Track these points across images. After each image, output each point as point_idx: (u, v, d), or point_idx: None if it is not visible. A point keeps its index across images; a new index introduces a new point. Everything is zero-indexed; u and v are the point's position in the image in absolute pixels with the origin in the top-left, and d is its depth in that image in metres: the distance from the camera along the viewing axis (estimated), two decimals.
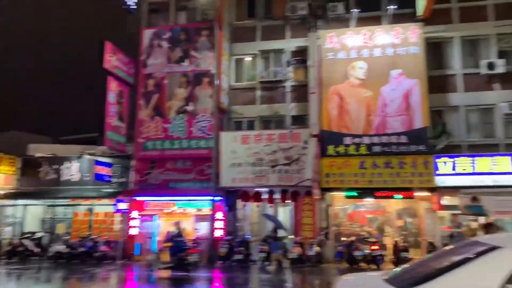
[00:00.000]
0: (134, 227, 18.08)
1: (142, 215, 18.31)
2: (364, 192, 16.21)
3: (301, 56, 18.28)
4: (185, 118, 18.33)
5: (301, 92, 17.94)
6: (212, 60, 18.19)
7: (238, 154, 17.11)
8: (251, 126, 18.57)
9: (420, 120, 16.12)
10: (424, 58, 16.56)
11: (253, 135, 17.27)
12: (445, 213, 16.80)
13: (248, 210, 18.49)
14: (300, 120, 17.83)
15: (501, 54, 16.80)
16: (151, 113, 18.71)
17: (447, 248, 4.54)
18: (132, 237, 18.01)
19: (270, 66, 18.71)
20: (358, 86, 16.98)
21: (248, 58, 19.22)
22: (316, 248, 15.69)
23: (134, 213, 18.10)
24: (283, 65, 18.53)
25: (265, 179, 16.81)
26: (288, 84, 18.33)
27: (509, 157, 15.23)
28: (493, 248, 3.18)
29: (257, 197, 17.58)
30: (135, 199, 18.09)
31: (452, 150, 16.26)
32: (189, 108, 18.35)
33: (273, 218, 16.01)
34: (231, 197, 17.62)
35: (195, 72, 18.58)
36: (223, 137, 17.42)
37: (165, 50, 19.08)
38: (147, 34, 19.36)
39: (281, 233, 15.88)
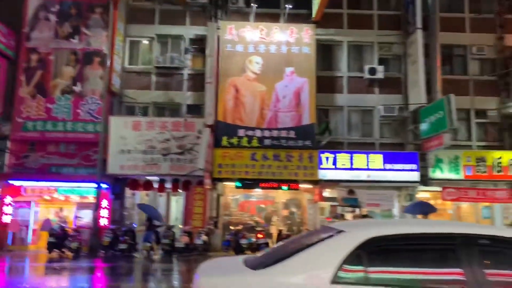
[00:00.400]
0: (7, 214, 16.50)
1: (18, 202, 16.77)
2: (253, 183, 16.73)
3: (199, 44, 18.14)
4: (72, 98, 17.13)
5: (198, 81, 17.83)
6: (104, 39, 17.22)
7: (128, 141, 16.48)
8: (144, 112, 17.99)
9: (307, 117, 17.07)
10: (314, 59, 17.53)
11: (145, 122, 16.77)
12: (326, 204, 18.14)
13: (138, 199, 17.98)
14: (195, 109, 17.74)
15: (381, 61, 18.48)
16: (32, 91, 17.13)
17: (304, 233, 4.86)
18: (4, 225, 16.42)
19: (167, 52, 18.26)
20: (254, 80, 17.40)
21: (144, 41, 18.53)
22: (204, 237, 15.84)
23: (8, 199, 16.51)
24: (181, 52, 18.22)
25: (156, 168, 16.46)
26: (185, 72, 18.10)
27: (381, 155, 16.86)
28: (338, 232, 3.47)
29: (147, 185, 17.16)
30: (10, 183, 16.50)
31: (335, 147, 17.53)
32: (77, 88, 17.19)
33: (147, 208, 15.70)
34: (119, 184, 16.96)
35: (86, 51, 17.43)
36: (112, 122, 16.62)
37: (52, 24, 17.57)
38: (32, 4, 17.61)
39: (156, 223, 15.63)
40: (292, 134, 16.94)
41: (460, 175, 17.02)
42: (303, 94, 17.26)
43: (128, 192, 17.46)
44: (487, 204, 17.99)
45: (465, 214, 18.85)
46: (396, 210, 17.71)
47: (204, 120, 16.09)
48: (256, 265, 3.49)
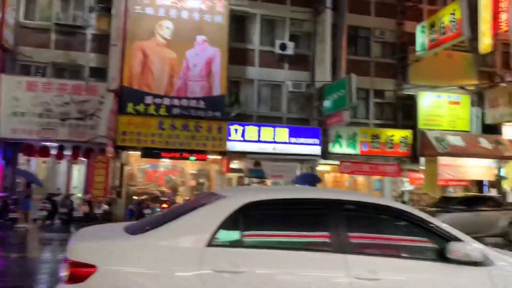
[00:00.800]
0: None
1: None
2: (158, 152, 16.40)
3: (106, 3, 16.93)
4: None
5: (102, 42, 16.71)
6: None
7: (21, 102, 15.13)
8: (42, 73, 16.55)
9: (218, 88, 16.99)
10: (227, 29, 17.36)
11: (41, 83, 15.47)
12: (233, 175, 18.46)
13: (34, 166, 16.74)
14: (99, 73, 16.68)
15: (292, 37, 18.88)
16: None
17: (191, 198, 4.88)
18: None
19: (69, 8, 16.84)
20: (164, 46, 16.81)
21: None
22: (105, 207, 15.32)
23: None
24: (85, 9, 16.90)
25: (53, 133, 15.37)
26: (89, 32, 16.88)
27: (287, 129, 17.47)
28: (219, 198, 3.53)
29: (43, 152, 15.99)
30: None
31: (244, 119, 17.76)
32: None
33: (25, 173, 14.79)
34: (11, 149, 15.60)
35: None
36: (3, 81, 15.09)
37: None
38: None
39: (37, 189, 14.81)
40: (202, 104, 16.79)
41: (357, 150, 18.29)
42: (214, 64, 17.09)
43: (22, 158, 16.17)
44: (379, 177, 19.65)
45: (359, 186, 20.42)
46: None
47: (108, 84, 15.26)
48: (135, 231, 3.44)
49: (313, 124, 18.46)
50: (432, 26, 17.64)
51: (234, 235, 3.30)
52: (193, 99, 16.74)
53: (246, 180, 18.05)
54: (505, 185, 19.20)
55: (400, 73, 19.88)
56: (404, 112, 19.74)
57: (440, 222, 3.55)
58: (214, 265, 3.02)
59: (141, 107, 16.27)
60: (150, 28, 16.66)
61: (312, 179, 15.72)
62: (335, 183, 20.89)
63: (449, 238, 3.36)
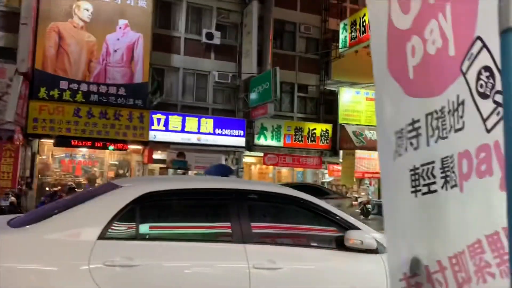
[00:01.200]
0: None
1: None
2: (73, 141, 15.46)
3: None
4: None
5: (12, 20, 15.24)
6: None
7: None
8: None
9: (140, 75, 16.37)
10: (151, 14, 16.74)
11: None
12: (156, 166, 17.96)
13: None
14: (7, 54, 15.26)
15: (219, 27, 18.68)
16: None
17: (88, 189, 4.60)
18: None
19: None
20: (82, 29, 15.81)
21: None
22: (12, 199, 14.11)
23: None
24: None
25: None
26: None
27: (212, 120, 17.33)
28: (115, 188, 3.33)
29: None
30: None
31: (168, 108, 17.32)
32: None
33: None
34: None
35: None
36: None
37: None
38: None
39: None
40: (122, 91, 16.07)
41: (281, 143, 18.67)
42: (137, 50, 16.42)
43: None
44: (301, 169, 20.25)
45: (283, 177, 20.90)
46: None
47: (17, 66, 14.03)
48: (18, 224, 3.15)
49: (239, 116, 18.50)
50: (353, 24, 18.39)
51: (129, 227, 3.14)
52: (113, 85, 15.98)
53: (171, 172, 17.68)
54: None
55: (324, 69, 20.56)
56: (326, 107, 20.48)
57: (340, 211, 3.66)
58: (105, 259, 2.84)
59: (55, 93, 15.20)
60: (67, 9, 15.56)
61: (224, 170, 15.70)
62: (260, 175, 21.22)
63: (347, 227, 3.46)
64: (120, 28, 16.23)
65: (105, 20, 16.02)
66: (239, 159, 18.40)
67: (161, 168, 17.47)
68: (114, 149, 16.18)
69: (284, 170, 20.64)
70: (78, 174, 17.74)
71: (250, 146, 18.13)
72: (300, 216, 3.62)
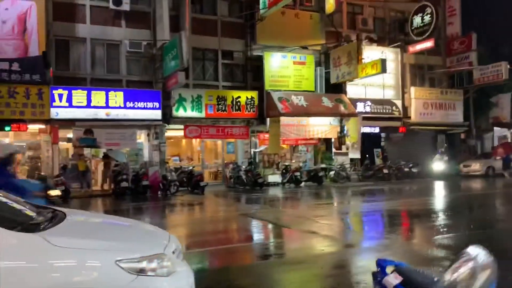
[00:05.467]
0: None
1: None
2: None
3: None
4: None
5: None
6: None
7: None
8: None
9: (36, 48, 15.01)
10: None
11: None
12: (68, 146, 16.86)
13: None
14: None
15: None
16: None
17: None
18: None
19: None
20: None
21: None
22: None
23: None
24: None
25: None
26: None
27: (122, 93, 16.20)
28: None
29: None
30: None
31: (79, 83, 16.12)
32: None
33: None
34: None
35: None
36: None
37: None
38: None
39: None
40: (16, 66, 14.71)
41: (203, 114, 17.72)
42: (30, 20, 14.98)
43: None
44: (232, 140, 19.42)
45: (211, 150, 20.11)
46: (146, 150, 17.65)
47: None
48: None
49: (157, 87, 17.37)
50: None
51: None
52: (4, 60, 14.59)
53: (85, 151, 16.59)
54: (348, 141, 20.17)
55: (249, 33, 19.46)
56: (253, 74, 19.51)
57: None
58: None
59: None
60: None
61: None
62: (187, 148, 20.35)
63: None
64: None
65: None
66: (160, 133, 17.41)
67: (75, 147, 16.38)
68: (11, 130, 14.92)
69: (212, 142, 19.80)
70: None
71: (168, 119, 17.12)
72: None
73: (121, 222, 3.50)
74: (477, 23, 24.14)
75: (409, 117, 22.39)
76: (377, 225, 9.76)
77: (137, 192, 15.41)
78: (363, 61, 18.97)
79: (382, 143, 23.01)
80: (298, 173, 18.11)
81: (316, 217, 9.73)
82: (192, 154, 20.96)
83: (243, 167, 18.09)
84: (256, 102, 18.64)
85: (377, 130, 21.76)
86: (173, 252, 3.01)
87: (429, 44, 21.33)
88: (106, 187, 16.52)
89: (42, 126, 15.61)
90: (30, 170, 16.63)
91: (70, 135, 16.31)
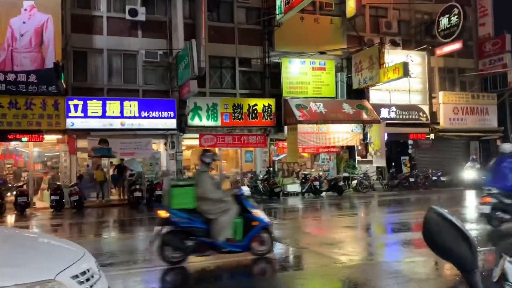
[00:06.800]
0: None
1: None
2: None
3: None
4: None
5: None
6: None
7: None
8: None
9: (52, 60, 15.20)
10: None
11: None
12: (85, 156, 17.00)
13: None
14: None
15: (145, 2, 17.36)
16: None
17: None
18: None
19: None
20: None
21: None
22: None
23: None
24: None
25: None
26: None
27: (136, 102, 16.17)
28: None
29: None
30: None
31: (95, 93, 16.28)
32: None
33: None
34: None
35: None
36: None
37: None
38: None
39: None
40: (33, 78, 14.96)
41: (218, 122, 17.45)
42: (46, 33, 15.23)
43: None
44: (251, 149, 19.02)
45: (229, 159, 19.78)
46: (164, 159, 17.54)
47: None
48: None
49: (174, 96, 17.27)
50: None
51: None
52: (22, 72, 14.87)
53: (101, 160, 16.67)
54: (371, 149, 19.35)
55: (267, 40, 19.12)
56: (271, 81, 19.09)
57: None
58: None
59: None
60: None
61: None
62: None
63: None
64: (25, 10, 15.05)
65: (8, 2, 14.83)
66: (176, 142, 17.27)
67: (91, 157, 16.48)
68: (28, 141, 15.18)
69: (231, 151, 19.48)
70: None
71: (183, 127, 16.95)
72: None
73: (19, 239, 3.15)
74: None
75: (438, 123, 21.24)
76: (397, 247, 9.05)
77: (152, 202, 15.25)
78: (385, 65, 18.17)
79: (410, 151, 21.94)
80: (317, 182, 17.47)
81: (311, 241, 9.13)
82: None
83: (260, 176, 17.65)
84: (274, 110, 18.19)
85: (404, 137, 20.75)
86: (85, 272, 2.63)
87: (457, 46, 20.22)
88: (122, 196, 16.51)
89: (60, 136, 15.78)
90: (50, 179, 16.90)
91: (85, 144, 16.41)
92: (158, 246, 6.08)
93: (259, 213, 6.57)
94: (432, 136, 20.69)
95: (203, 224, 6.17)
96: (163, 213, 6.17)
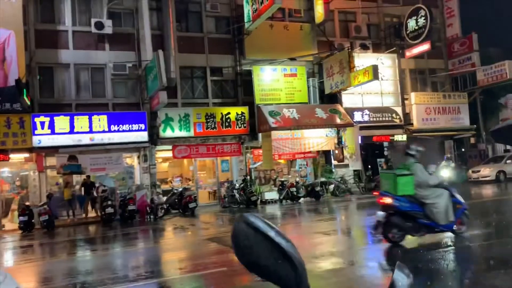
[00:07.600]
0: None
1: None
2: None
3: None
4: None
5: None
6: None
7: None
8: None
9: (15, 76, 14.74)
10: (21, 8, 15.14)
11: None
12: (55, 174, 16.54)
13: None
14: None
15: (112, 15, 17.13)
16: None
17: None
18: None
19: None
20: None
21: None
22: None
23: None
24: None
25: None
26: None
27: (105, 116, 15.85)
28: None
29: None
30: None
31: (63, 109, 15.90)
32: None
33: None
34: None
35: None
36: None
37: None
38: None
39: None
40: None
41: (191, 132, 17.24)
42: (8, 49, 14.85)
43: None
44: (227, 158, 18.82)
45: (205, 169, 19.53)
46: (138, 173, 17.19)
47: None
48: None
49: (145, 108, 17.01)
50: None
51: None
52: None
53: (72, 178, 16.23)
54: (346, 152, 19.36)
55: (237, 48, 19.06)
56: (244, 88, 19.00)
57: None
58: None
59: None
60: None
61: None
62: (180, 168, 19.78)
63: None
64: None
65: None
66: (149, 155, 16.96)
67: (61, 174, 16.03)
68: None
69: (207, 161, 19.25)
70: None
71: (155, 140, 16.68)
72: None
73: None
74: (478, 23, 23.26)
75: (411, 124, 21.44)
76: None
77: (125, 218, 14.87)
78: (355, 69, 18.28)
79: (386, 153, 22.05)
80: (294, 189, 17.36)
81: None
82: (191, 174, 20.40)
83: (237, 185, 17.45)
84: (247, 118, 18.09)
85: (380, 139, 20.85)
86: None
87: (426, 47, 20.52)
88: (94, 214, 16.08)
89: (27, 155, 15.34)
90: (20, 200, 16.37)
91: (54, 162, 15.98)
92: (381, 228, 7.17)
93: (459, 197, 7.55)
94: (402, 137, 20.77)
95: (420, 208, 7.21)
96: (387, 200, 7.24)
